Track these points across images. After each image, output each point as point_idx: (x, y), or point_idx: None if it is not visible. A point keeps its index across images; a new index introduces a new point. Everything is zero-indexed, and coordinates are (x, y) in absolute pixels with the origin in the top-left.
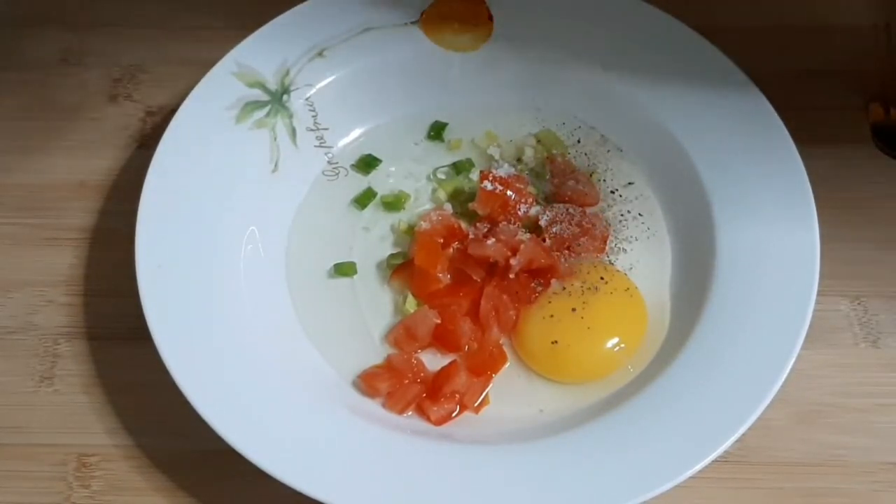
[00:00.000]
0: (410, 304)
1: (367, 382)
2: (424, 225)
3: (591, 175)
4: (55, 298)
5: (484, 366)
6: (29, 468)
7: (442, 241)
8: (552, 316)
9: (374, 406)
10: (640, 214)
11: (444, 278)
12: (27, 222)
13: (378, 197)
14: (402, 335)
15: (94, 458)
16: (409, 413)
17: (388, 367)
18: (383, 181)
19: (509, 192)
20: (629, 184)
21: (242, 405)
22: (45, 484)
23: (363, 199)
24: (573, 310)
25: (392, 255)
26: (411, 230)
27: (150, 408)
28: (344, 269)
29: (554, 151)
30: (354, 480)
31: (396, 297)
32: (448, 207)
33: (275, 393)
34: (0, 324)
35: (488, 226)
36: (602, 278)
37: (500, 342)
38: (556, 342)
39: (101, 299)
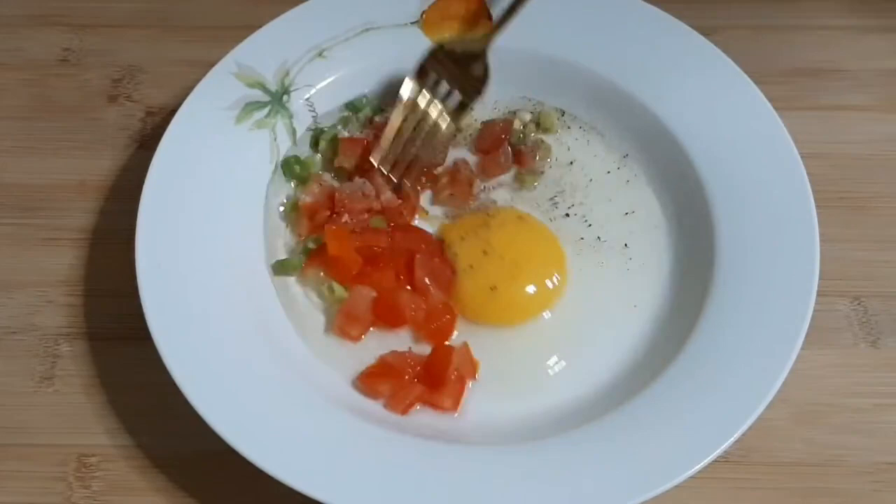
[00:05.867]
0: (339, 291)
1: (367, 385)
2: (306, 198)
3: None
4: (55, 298)
5: (442, 329)
6: (29, 468)
7: (329, 213)
8: (471, 266)
9: (374, 406)
10: (638, 215)
11: (358, 258)
12: (27, 222)
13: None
14: (345, 321)
15: (94, 459)
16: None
17: (385, 366)
18: None
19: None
20: (626, 182)
21: (242, 405)
22: (45, 484)
23: (286, 168)
24: (484, 252)
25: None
26: (297, 206)
27: (150, 408)
28: (286, 267)
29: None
30: (354, 480)
31: (319, 289)
32: (327, 177)
33: (275, 392)
34: (0, 324)
35: (364, 181)
36: (488, 214)
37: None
38: (494, 287)
39: (101, 299)
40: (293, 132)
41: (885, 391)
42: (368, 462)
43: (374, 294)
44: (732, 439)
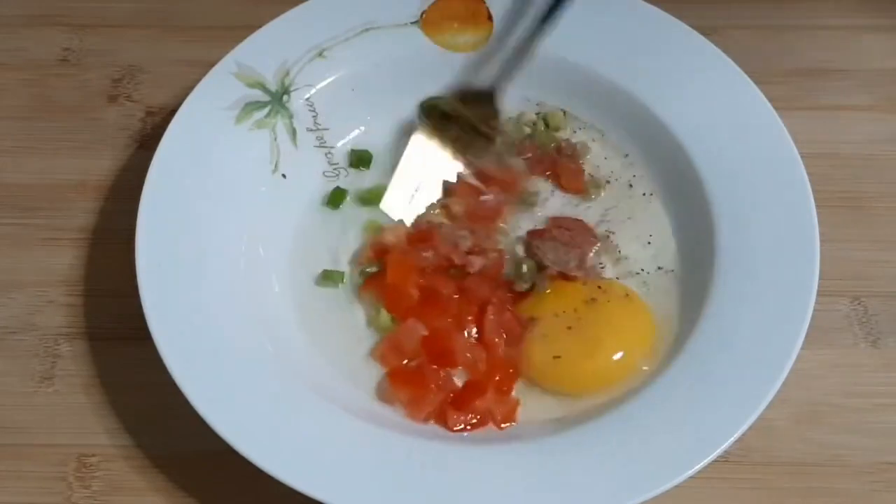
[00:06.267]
0: (385, 319)
1: (394, 383)
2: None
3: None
4: (55, 298)
5: (506, 379)
6: (29, 468)
7: (409, 244)
8: (545, 335)
9: (374, 405)
10: (633, 218)
11: (415, 294)
12: (27, 222)
13: (352, 194)
14: (388, 350)
15: (94, 458)
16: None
17: (417, 372)
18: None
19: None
20: (630, 186)
21: (242, 405)
22: (45, 484)
23: (334, 200)
24: (568, 328)
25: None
26: (380, 228)
27: (150, 408)
28: (331, 277)
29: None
30: (354, 480)
31: (368, 310)
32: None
33: (275, 392)
34: (0, 324)
35: (467, 234)
36: (599, 287)
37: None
38: (558, 357)
39: (101, 299)
40: (293, 132)
41: (885, 391)
42: (368, 462)
43: (425, 332)
44: (732, 439)
